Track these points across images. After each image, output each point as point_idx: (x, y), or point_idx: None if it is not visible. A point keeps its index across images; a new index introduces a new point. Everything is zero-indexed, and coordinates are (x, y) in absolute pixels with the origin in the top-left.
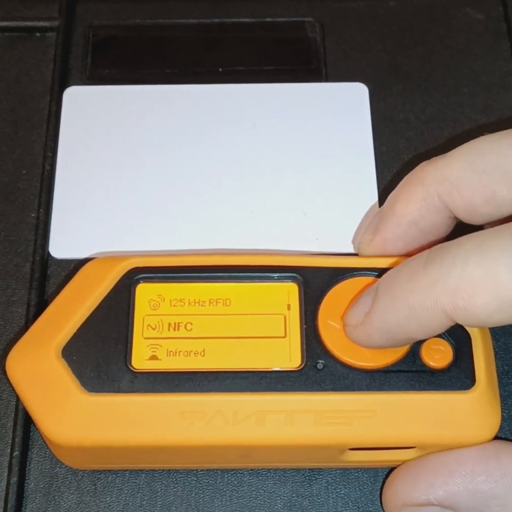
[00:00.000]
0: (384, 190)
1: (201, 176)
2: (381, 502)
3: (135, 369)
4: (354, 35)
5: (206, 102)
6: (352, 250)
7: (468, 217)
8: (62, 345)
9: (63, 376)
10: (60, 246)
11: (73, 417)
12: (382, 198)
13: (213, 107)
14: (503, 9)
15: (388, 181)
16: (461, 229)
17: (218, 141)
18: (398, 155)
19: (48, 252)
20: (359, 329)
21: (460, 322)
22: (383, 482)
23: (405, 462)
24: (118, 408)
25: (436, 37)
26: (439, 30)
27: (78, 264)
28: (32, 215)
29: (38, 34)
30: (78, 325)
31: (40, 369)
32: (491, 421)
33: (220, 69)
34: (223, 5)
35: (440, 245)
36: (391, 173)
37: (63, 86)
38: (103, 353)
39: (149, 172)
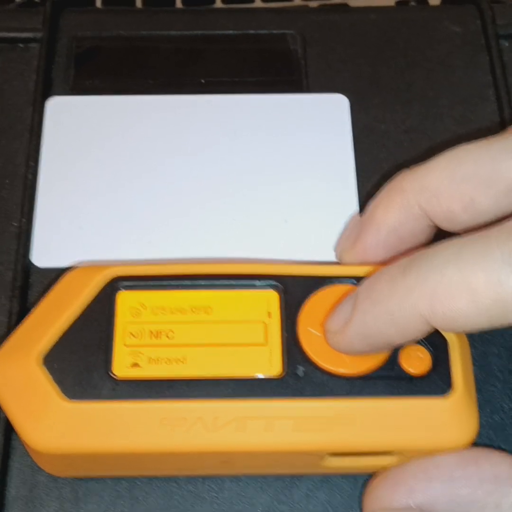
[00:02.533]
0: (365, 200)
1: (183, 185)
2: (361, 508)
3: (116, 376)
4: (335, 47)
5: (189, 112)
6: (332, 258)
7: (447, 225)
8: (43, 353)
9: (44, 384)
10: (42, 255)
11: (54, 424)
12: (362, 208)
13: (195, 117)
14: (481, 23)
15: (369, 190)
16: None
17: (200, 150)
18: (378, 165)
19: (30, 261)
20: (339, 336)
21: (438, 327)
22: (363, 488)
23: (385, 468)
24: (99, 415)
25: (416, 50)
26: (419, 43)
27: (60, 273)
28: (15, 224)
29: (21, 45)
30: (59, 333)
31: (21, 377)
32: (469, 427)
33: (203, 80)
34: (206, 17)
35: (418, 251)
36: (371, 183)
37: (46, 96)
38: (84, 361)
39: (131, 181)
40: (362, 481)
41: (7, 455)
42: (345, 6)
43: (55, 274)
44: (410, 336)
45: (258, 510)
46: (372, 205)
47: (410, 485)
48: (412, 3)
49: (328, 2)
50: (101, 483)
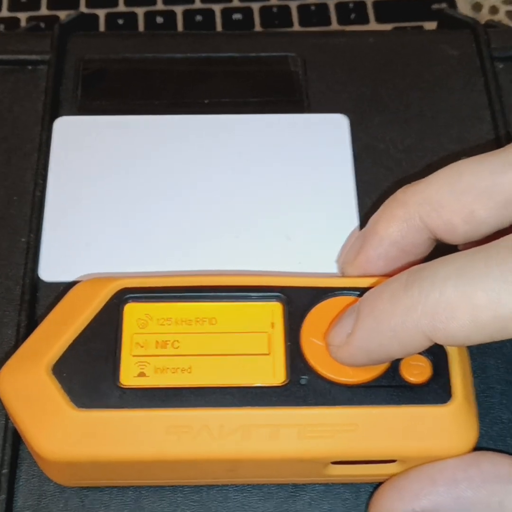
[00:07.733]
0: (365, 216)
1: (188, 203)
2: None
3: (123, 385)
4: (335, 69)
5: (193, 131)
6: (333, 272)
7: (448, 237)
8: (52, 362)
9: (53, 392)
10: (50, 270)
11: (63, 432)
12: (363, 225)
13: (199, 137)
14: (476, 46)
15: (369, 207)
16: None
17: (204, 169)
18: (378, 183)
19: (38, 276)
20: (342, 349)
21: (440, 342)
22: (367, 498)
23: (390, 478)
24: (106, 423)
25: (414, 72)
26: (417, 65)
27: (67, 287)
28: (23, 239)
29: (30, 67)
30: (68, 343)
31: (31, 386)
32: (469, 434)
33: (206, 101)
34: (209, 40)
35: (418, 266)
36: (371, 200)
37: (54, 116)
38: (92, 370)
39: (136, 199)
40: (365, 491)
41: (15, 465)
42: (343, 31)
43: (62, 288)
44: (412, 350)
45: None
46: (374, 218)
47: (415, 491)
48: (408, 29)
49: (326, 29)
50: (108, 492)
